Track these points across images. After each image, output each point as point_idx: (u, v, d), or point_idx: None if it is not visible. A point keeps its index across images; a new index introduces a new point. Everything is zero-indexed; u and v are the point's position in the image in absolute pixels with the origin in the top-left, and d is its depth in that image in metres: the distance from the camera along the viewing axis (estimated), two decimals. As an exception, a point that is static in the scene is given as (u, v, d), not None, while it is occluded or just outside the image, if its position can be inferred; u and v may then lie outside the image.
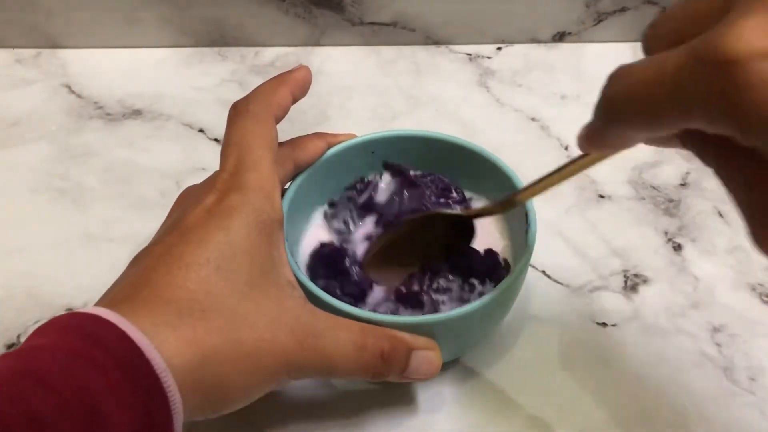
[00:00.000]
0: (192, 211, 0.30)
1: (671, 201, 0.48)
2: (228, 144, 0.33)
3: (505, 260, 0.38)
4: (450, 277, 0.37)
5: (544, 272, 0.44)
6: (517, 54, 0.60)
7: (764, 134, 0.18)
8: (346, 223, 0.41)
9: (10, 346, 0.41)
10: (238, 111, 0.34)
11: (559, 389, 0.38)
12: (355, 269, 0.38)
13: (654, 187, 0.49)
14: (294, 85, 0.35)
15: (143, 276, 0.28)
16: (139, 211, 0.48)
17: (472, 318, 0.33)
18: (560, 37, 0.61)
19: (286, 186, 0.38)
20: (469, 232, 0.37)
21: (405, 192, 0.41)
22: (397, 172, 0.42)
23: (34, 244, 0.46)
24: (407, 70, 0.59)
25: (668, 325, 0.41)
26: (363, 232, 0.41)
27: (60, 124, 0.55)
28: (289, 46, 0.61)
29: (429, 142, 0.41)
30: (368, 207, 0.41)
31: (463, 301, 0.36)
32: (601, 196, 0.49)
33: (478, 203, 0.42)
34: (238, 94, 0.56)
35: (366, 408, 0.37)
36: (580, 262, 0.44)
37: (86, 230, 0.47)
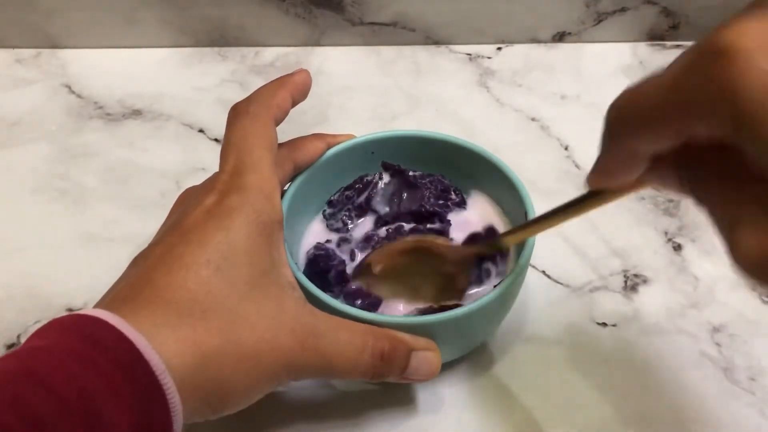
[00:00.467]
0: (192, 212, 0.30)
1: (671, 201, 0.48)
2: (228, 145, 0.33)
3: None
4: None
5: (544, 272, 0.44)
6: (517, 54, 0.60)
7: (754, 127, 0.18)
8: (344, 222, 0.41)
9: (10, 346, 0.41)
10: (238, 112, 0.34)
11: (559, 389, 0.38)
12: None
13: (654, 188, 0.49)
14: (294, 88, 0.35)
15: (143, 276, 0.28)
16: (139, 211, 0.48)
17: (472, 318, 0.33)
18: (560, 37, 0.61)
19: (286, 187, 0.38)
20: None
21: (404, 192, 0.41)
22: (397, 172, 0.42)
23: (34, 244, 0.46)
24: (407, 70, 0.59)
25: (668, 325, 0.41)
26: (362, 231, 0.41)
27: (60, 124, 0.55)
28: (289, 46, 0.61)
29: (429, 143, 0.41)
30: (367, 206, 0.41)
31: (481, 282, 0.38)
32: (601, 196, 0.49)
33: (478, 203, 0.41)
34: (238, 94, 0.57)
35: (366, 408, 0.37)
36: (580, 262, 0.44)
37: (86, 230, 0.47)
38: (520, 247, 0.36)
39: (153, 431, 0.24)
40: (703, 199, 0.22)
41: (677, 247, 0.45)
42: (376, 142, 0.41)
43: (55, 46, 0.61)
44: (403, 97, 0.57)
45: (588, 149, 0.52)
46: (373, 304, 0.37)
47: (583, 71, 0.58)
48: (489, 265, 0.38)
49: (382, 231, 0.40)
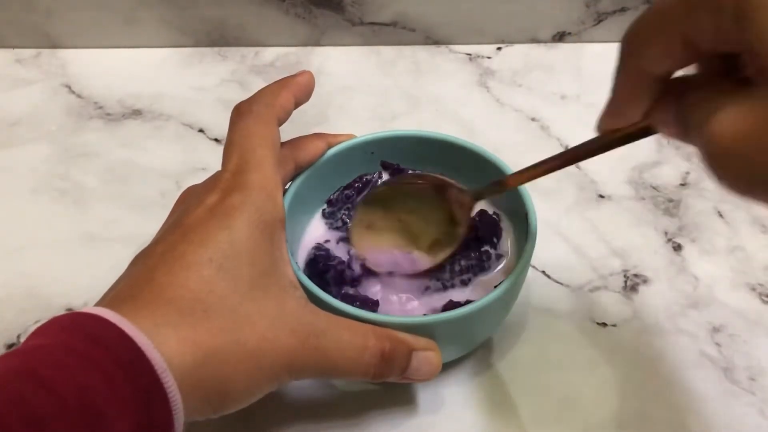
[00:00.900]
0: (194, 211, 0.30)
1: (671, 201, 0.48)
2: (230, 144, 0.33)
3: (496, 213, 0.40)
4: (470, 256, 0.38)
5: (544, 272, 0.44)
6: (517, 54, 0.60)
7: (754, 18, 0.19)
8: (344, 221, 0.41)
9: (10, 346, 0.41)
10: (240, 112, 0.34)
11: (559, 389, 0.38)
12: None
13: (654, 187, 0.49)
14: (297, 89, 0.35)
15: (145, 275, 0.28)
16: (139, 211, 0.48)
17: (473, 319, 0.33)
18: (560, 37, 0.61)
19: (287, 186, 0.38)
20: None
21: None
22: (396, 171, 0.42)
23: (34, 244, 0.46)
24: (407, 70, 0.59)
25: (668, 325, 0.41)
26: None
27: (60, 124, 0.55)
28: (289, 46, 0.61)
29: (429, 143, 0.41)
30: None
31: (485, 270, 0.38)
32: (601, 196, 0.49)
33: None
34: (238, 94, 0.57)
35: (366, 408, 0.37)
36: (580, 262, 0.44)
37: (86, 230, 0.47)
38: (521, 247, 0.36)
39: (154, 430, 0.24)
40: (688, 105, 0.23)
41: (677, 247, 0.45)
42: (376, 142, 0.41)
43: (55, 46, 0.61)
44: (403, 97, 0.57)
45: (588, 149, 0.52)
46: (372, 305, 0.37)
47: (583, 71, 0.58)
48: (488, 248, 0.39)
49: None
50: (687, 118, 0.23)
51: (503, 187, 0.36)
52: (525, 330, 0.41)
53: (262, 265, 0.30)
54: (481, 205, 0.40)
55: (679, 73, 0.24)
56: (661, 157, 0.51)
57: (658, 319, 0.41)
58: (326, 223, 0.41)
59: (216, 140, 0.53)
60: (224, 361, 0.27)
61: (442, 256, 0.38)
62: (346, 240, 0.40)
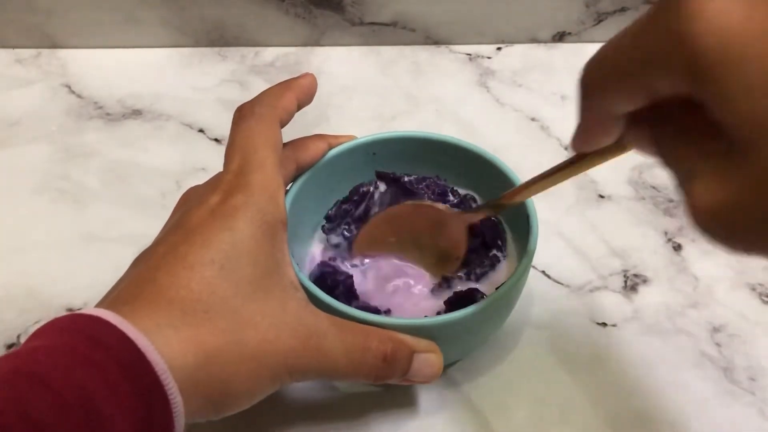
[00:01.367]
0: (196, 212, 0.30)
1: (671, 201, 0.48)
2: (232, 145, 0.33)
3: (497, 218, 0.40)
4: (483, 263, 0.39)
5: (544, 272, 0.44)
6: (517, 54, 0.60)
7: (706, 69, 0.18)
8: (345, 236, 0.40)
9: (10, 346, 0.41)
10: (243, 113, 0.34)
11: (559, 389, 0.38)
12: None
13: (654, 187, 0.49)
14: (299, 91, 0.35)
15: (146, 276, 0.28)
16: (139, 211, 0.48)
17: (474, 321, 0.33)
18: (560, 37, 0.61)
19: (288, 187, 0.38)
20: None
21: (401, 200, 0.41)
22: (392, 180, 0.41)
23: (34, 244, 0.46)
24: (407, 70, 0.59)
25: (668, 325, 0.41)
26: None
27: (60, 124, 0.55)
28: (289, 46, 0.61)
29: (429, 143, 0.41)
30: (366, 218, 0.41)
31: (495, 271, 0.39)
32: (601, 196, 0.49)
33: (477, 203, 0.42)
34: (238, 94, 0.57)
35: (368, 410, 0.37)
36: (580, 262, 0.44)
37: (86, 230, 0.47)
38: (522, 247, 0.36)
39: (154, 431, 0.24)
40: (666, 155, 0.22)
41: (677, 247, 0.45)
42: (377, 143, 0.41)
43: (55, 46, 0.61)
44: (403, 97, 0.57)
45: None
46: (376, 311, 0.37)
47: (583, 71, 0.58)
48: (495, 252, 0.40)
49: None
50: (665, 166, 0.22)
51: (496, 209, 0.37)
52: (525, 330, 0.41)
53: (263, 266, 0.30)
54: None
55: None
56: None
57: (658, 319, 0.41)
58: (327, 239, 0.41)
59: (216, 140, 0.53)
60: (225, 362, 0.27)
61: (442, 274, 0.39)
62: (346, 257, 0.40)
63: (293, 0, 0.58)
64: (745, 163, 0.18)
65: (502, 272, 0.39)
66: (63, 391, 0.23)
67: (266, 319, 0.29)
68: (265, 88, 0.36)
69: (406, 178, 0.41)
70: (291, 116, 0.35)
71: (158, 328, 0.26)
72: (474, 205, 0.41)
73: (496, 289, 0.35)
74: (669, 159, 0.22)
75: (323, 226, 0.41)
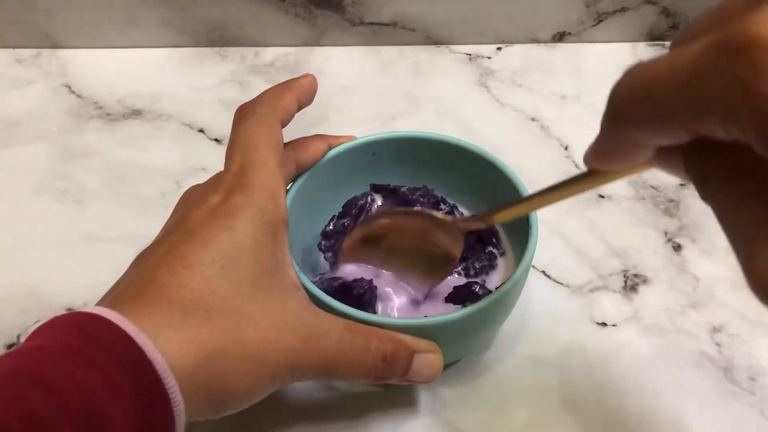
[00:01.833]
0: (196, 211, 0.30)
1: (671, 201, 0.48)
2: (233, 144, 0.33)
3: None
4: (481, 257, 0.39)
5: (544, 272, 0.44)
6: (517, 54, 0.60)
7: None
8: None
9: (10, 346, 0.41)
10: (244, 113, 0.34)
11: (559, 389, 0.38)
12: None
13: (654, 187, 0.49)
14: (300, 91, 0.35)
15: (147, 275, 0.28)
16: (139, 211, 0.48)
17: (473, 321, 0.33)
18: (560, 37, 0.61)
19: (288, 187, 0.38)
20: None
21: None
22: (388, 192, 0.41)
23: (34, 244, 0.46)
24: (407, 70, 0.59)
25: (668, 325, 0.41)
26: None
27: (60, 124, 0.55)
28: (289, 46, 0.61)
29: (429, 143, 0.41)
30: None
31: (494, 268, 0.40)
32: (601, 196, 0.49)
33: (477, 203, 0.42)
34: (238, 94, 0.57)
35: (368, 410, 0.37)
36: (580, 262, 0.44)
37: (86, 230, 0.47)
38: (522, 247, 0.36)
39: (155, 430, 0.24)
40: (712, 197, 0.19)
41: (677, 247, 0.45)
42: (377, 143, 0.41)
43: (55, 46, 0.61)
44: (403, 97, 0.57)
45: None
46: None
47: (583, 71, 0.58)
48: (491, 248, 0.40)
49: None
50: (711, 207, 0.19)
51: (488, 221, 0.34)
52: (525, 330, 0.41)
53: (264, 266, 0.30)
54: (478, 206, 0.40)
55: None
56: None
57: (658, 319, 0.41)
58: (325, 257, 0.40)
59: (216, 140, 0.53)
60: (226, 362, 0.27)
61: (434, 281, 0.38)
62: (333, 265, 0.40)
63: (293, 0, 0.58)
64: None
65: (500, 269, 0.39)
66: (63, 390, 0.23)
67: (267, 318, 0.29)
68: (265, 88, 0.36)
69: (401, 189, 0.41)
70: (291, 116, 0.35)
71: (158, 328, 0.26)
72: (469, 214, 0.41)
73: (496, 289, 0.35)
74: (719, 207, 0.19)
75: (320, 244, 0.40)
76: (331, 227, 0.41)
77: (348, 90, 0.57)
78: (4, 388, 0.22)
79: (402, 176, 0.42)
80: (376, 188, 0.42)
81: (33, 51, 0.61)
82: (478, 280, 0.38)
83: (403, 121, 0.54)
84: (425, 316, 0.36)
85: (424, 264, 0.38)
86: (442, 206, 0.41)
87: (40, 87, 0.58)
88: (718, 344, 0.40)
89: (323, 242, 0.40)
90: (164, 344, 0.26)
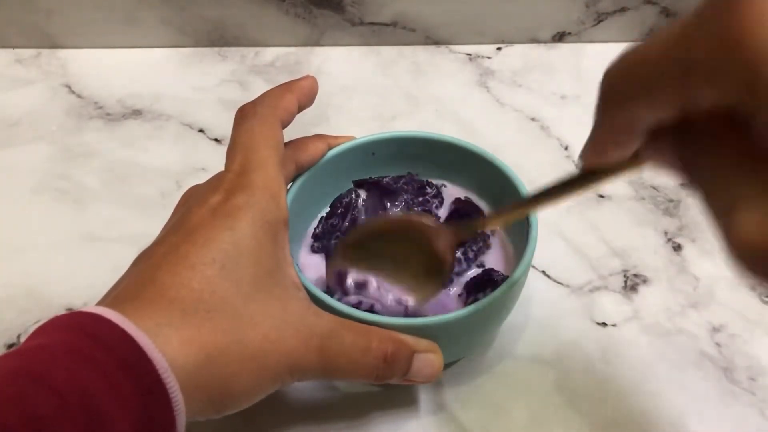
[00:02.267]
0: (197, 211, 0.30)
1: (671, 201, 0.48)
2: (234, 144, 0.33)
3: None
4: (476, 239, 0.39)
5: (544, 272, 0.44)
6: (517, 54, 0.60)
7: None
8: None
9: (10, 346, 0.41)
10: (244, 113, 0.34)
11: (559, 389, 0.38)
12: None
13: (654, 187, 0.49)
14: (300, 92, 0.35)
15: (147, 275, 0.28)
16: (139, 211, 0.48)
17: (474, 320, 0.33)
18: (560, 37, 0.61)
19: (288, 187, 0.38)
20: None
21: (385, 201, 0.41)
22: (371, 185, 0.41)
23: (34, 244, 0.46)
24: (407, 70, 0.59)
25: (668, 325, 0.41)
26: None
27: (60, 124, 0.55)
28: (289, 46, 0.61)
29: (429, 143, 0.41)
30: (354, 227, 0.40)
31: (490, 247, 0.40)
32: (601, 196, 0.49)
33: (477, 203, 0.42)
34: (238, 94, 0.57)
35: (368, 410, 0.37)
36: (580, 262, 0.44)
37: (86, 230, 0.47)
38: (521, 247, 0.36)
39: (155, 430, 0.24)
40: (699, 178, 0.19)
41: (677, 247, 0.45)
42: (376, 143, 0.41)
43: (55, 46, 0.61)
44: (403, 97, 0.57)
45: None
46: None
47: (583, 71, 0.58)
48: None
49: None
50: (696, 188, 0.20)
51: (482, 226, 0.35)
52: (525, 330, 0.41)
53: (265, 266, 0.30)
54: (492, 243, 0.41)
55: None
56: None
57: (658, 319, 0.41)
58: (320, 258, 0.40)
59: (216, 140, 0.53)
60: (227, 362, 0.27)
61: (428, 290, 0.36)
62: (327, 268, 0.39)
63: (293, 0, 0.58)
64: None
65: (495, 248, 0.40)
66: (64, 389, 0.23)
67: (268, 319, 0.29)
68: (265, 88, 0.36)
69: (384, 180, 0.41)
70: (292, 117, 0.35)
71: (159, 327, 0.26)
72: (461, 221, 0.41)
73: (496, 289, 0.35)
74: (703, 182, 0.19)
75: (312, 245, 0.40)
76: (320, 229, 0.41)
77: (348, 90, 0.57)
78: (4, 388, 0.22)
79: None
80: (359, 184, 0.41)
81: (33, 51, 0.61)
82: (488, 267, 0.38)
83: (403, 122, 0.54)
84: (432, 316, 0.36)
85: (417, 270, 0.36)
86: (428, 189, 0.41)
87: (40, 87, 0.58)
88: (718, 344, 0.40)
89: (315, 244, 0.40)
90: (165, 344, 0.26)
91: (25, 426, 0.21)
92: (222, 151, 0.34)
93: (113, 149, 0.53)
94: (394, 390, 0.38)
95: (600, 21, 0.59)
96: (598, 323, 0.41)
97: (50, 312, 0.42)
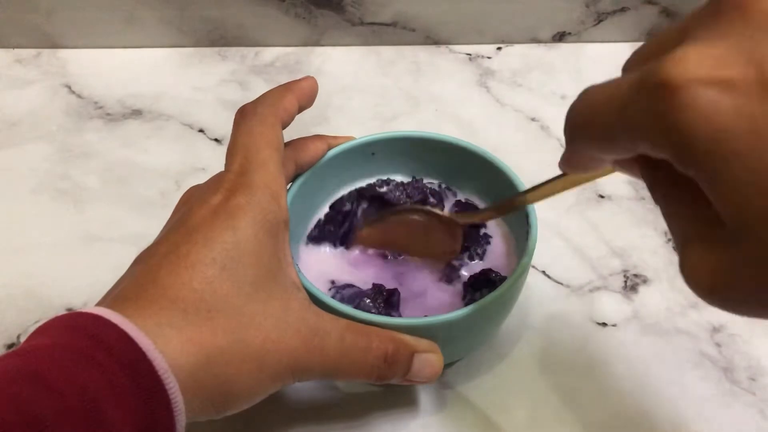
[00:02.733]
0: (198, 211, 0.30)
1: (671, 201, 0.48)
2: (234, 145, 0.33)
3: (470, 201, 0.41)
4: (480, 242, 0.40)
5: (544, 272, 0.44)
6: (517, 54, 0.60)
7: (695, 158, 0.18)
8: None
9: (10, 346, 0.41)
10: (245, 114, 0.34)
11: (559, 389, 0.38)
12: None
13: (654, 187, 0.49)
14: (300, 93, 0.35)
15: (148, 275, 0.28)
16: (139, 212, 0.48)
17: (474, 320, 0.33)
18: (560, 37, 0.61)
19: (287, 187, 0.38)
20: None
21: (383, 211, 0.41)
22: (374, 198, 0.41)
23: (34, 244, 0.46)
24: (407, 70, 0.59)
25: (668, 325, 0.41)
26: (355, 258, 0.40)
27: (60, 124, 0.55)
28: (289, 46, 0.61)
29: (429, 143, 0.41)
30: (350, 236, 0.40)
31: (490, 243, 0.40)
32: (601, 196, 0.49)
33: (477, 203, 0.42)
34: (238, 94, 0.57)
35: (368, 410, 0.37)
36: (580, 262, 0.44)
37: (86, 230, 0.47)
38: (521, 247, 0.36)
39: (155, 431, 0.24)
40: (659, 201, 0.22)
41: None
42: (376, 143, 0.41)
43: (55, 46, 0.61)
44: (403, 97, 0.57)
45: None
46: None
47: (583, 71, 0.58)
48: (485, 231, 0.40)
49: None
50: (663, 215, 0.22)
51: (485, 217, 0.38)
52: (525, 330, 0.41)
53: (266, 266, 0.30)
54: (492, 243, 0.41)
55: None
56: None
57: (658, 319, 0.41)
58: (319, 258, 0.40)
59: (216, 140, 0.53)
60: (228, 362, 0.27)
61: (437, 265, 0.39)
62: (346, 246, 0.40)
63: (293, 0, 0.58)
64: (737, 245, 0.18)
65: (496, 248, 0.40)
66: (64, 390, 0.23)
67: (269, 319, 0.29)
68: (265, 88, 0.36)
69: (386, 195, 0.41)
70: (292, 118, 0.35)
71: (160, 327, 0.26)
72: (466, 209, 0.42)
73: (496, 289, 0.35)
74: (664, 210, 0.22)
75: (308, 245, 0.40)
76: (316, 233, 0.40)
77: (348, 90, 0.57)
78: (4, 388, 0.22)
79: (401, 176, 0.42)
80: (361, 193, 0.41)
81: (33, 51, 0.61)
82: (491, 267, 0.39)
83: (403, 121, 0.54)
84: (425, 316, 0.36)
85: (428, 253, 0.39)
86: (431, 198, 0.41)
87: (40, 87, 0.58)
88: (718, 344, 0.40)
89: (311, 247, 0.40)
90: (165, 344, 0.26)
91: (25, 426, 0.21)
92: (222, 151, 0.34)
93: (113, 149, 0.53)
94: (394, 390, 0.38)
95: (600, 21, 0.59)
96: (598, 323, 0.41)
97: (50, 312, 0.42)
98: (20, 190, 0.50)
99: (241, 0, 0.58)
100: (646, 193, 0.49)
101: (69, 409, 0.22)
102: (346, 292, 0.37)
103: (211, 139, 0.54)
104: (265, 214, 0.30)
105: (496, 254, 0.40)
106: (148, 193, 0.49)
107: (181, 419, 0.25)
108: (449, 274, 0.38)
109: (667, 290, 0.43)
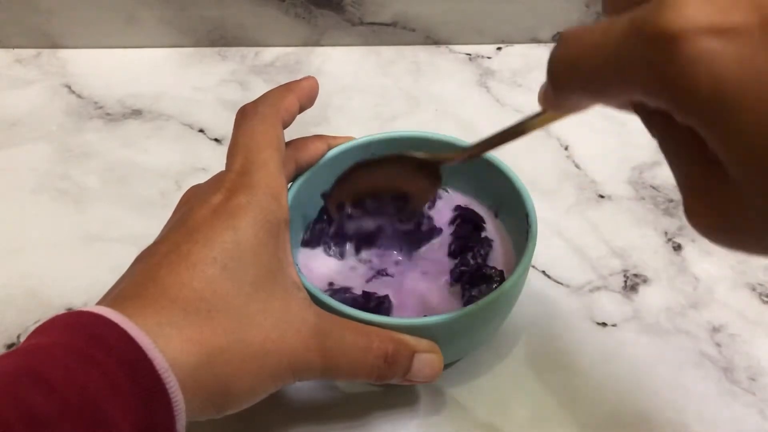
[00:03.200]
0: (198, 210, 0.30)
1: (671, 201, 0.48)
2: (235, 144, 0.33)
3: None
4: (482, 244, 0.40)
5: (544, 272, 0.44)
6: (517, 54, 0.60)
7: (697, 111, 0.17)
8: (329, 255, 0.40)
9: (10, 346, 0.41)
10: (246, 113, 0.34)
11: (559, 389, 0.38)
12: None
13: (654, 187, 0.49)
14: (301, 93, 0.35)
15: (148, 274, 0.28)
16: (139, 212, 0.48)
17: (474, 320, 0.33)
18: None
19: (288, 186, 0.38)
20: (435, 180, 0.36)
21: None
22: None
23: (34, 244, 0.46)
24: (407, 70, 0.59)
25: (668, 325, 0.41)
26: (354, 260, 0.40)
27: (60, 124, 0.55)
28: (289, 46, 0.61)
29: (429, 143, 0.41)
30: (342, 235, 0.40)
31: (492, 248, 0.40)
32: (601, 196, 0.49)
33: (477, 205, 0.42)
34: (238, 94, 0.57)
35: (369, 409, 0.37)
36: (580, 262, 0.44)
37: (86, 230, 0.47)
38: (521, 247, 0.36)
39: (155, 430, 0.24)
40: (658, 141, 0.22)
41: (677, 247, 0.45)
42: (376, 143, 0.41)
43: (55, 46, 0.61)
44: (403, 97, 0.57)
45: (588, 149, 0.52)
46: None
47: (583, 71, 0.58)
48: (485, 234, 0.40)
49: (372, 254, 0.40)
50: (664, 155, 0.22)
51: (461, 156, 0.35)
52: (525, 330, 0.41)
53: (266, 266, 0.30)
54: (492, 244, 0.40)
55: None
56: (661, 158, 0.51)
57: (658, 319, 0.41)
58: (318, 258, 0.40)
59: (216, 140, 0.53)
60: (228, 361, 0.27)
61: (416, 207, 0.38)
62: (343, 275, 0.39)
63: (293, 0, 0.58)
64: (739, 193, 0.18)
65: (496, 248, 0.40)
66: (64, 389, 0.23)
67: (269, 318, 0.29)
68: (265, 88, 0.36)
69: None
70: (293, 118, 0.35)
71: (160, 327, 0.26)
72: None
73: (495, 289, 0.35)
74: (661, 149, 0.22)
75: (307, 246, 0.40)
76: (308, 235, 0.40)
77: (348, 90, 0.57)
78: (4, 388, 0.22)
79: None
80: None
81: (33, 51, 0.61)
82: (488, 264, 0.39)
83: (403, 121, 0.54)
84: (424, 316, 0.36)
85: (404, 200, 0.37)
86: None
87: (40, 87, 0.58)
88: (718, 344, 0.40)
89: (307, 247, 0.40)
90: (165, 343, 0.26)
91: (25, 426, 0.21)
92: (222, 151, 0.34)
93: (113, 149, 0.53)
94: (394, 390, 0.37)
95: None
96: (598, 323, 0.41)
97: (50, 312, 0.42)
98: (20, 190, 0.50)
99: (241, 0, 0.58)
100: (646, 193, 0.49)
101: (69, 408, 0.22)
102: (338, 297, 0.37)
103: (211, 139, 0.54)
104: (266, 213, 0.30)
105: (496, 254, 0.40)
106: (148, 193, 0.49)
107: (182, 419, 0.25)
108: (450, 275, 0.39)
109: (667, 290, 0.43)
